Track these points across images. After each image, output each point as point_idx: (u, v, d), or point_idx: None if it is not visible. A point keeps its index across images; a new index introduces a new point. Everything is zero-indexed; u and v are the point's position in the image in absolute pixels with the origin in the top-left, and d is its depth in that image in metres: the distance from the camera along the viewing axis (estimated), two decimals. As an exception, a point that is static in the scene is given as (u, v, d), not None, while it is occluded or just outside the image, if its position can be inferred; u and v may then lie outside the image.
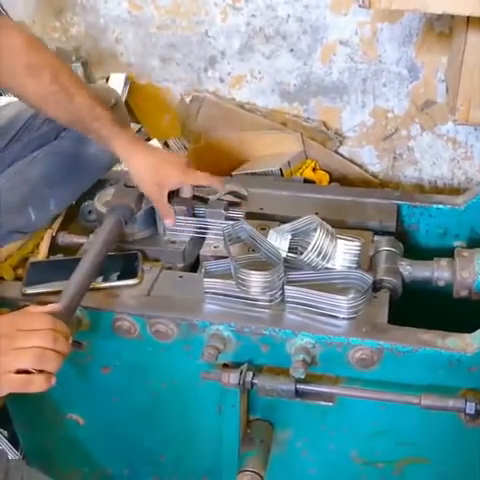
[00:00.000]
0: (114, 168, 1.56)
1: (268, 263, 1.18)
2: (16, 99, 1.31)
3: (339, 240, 1.16)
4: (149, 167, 1.24)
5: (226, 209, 1.32)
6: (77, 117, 1.22)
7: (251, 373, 1.11)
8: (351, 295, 1.11)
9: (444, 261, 1.23)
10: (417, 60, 1.84)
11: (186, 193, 1.31)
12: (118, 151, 1.24)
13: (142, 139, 1.31)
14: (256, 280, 1.12)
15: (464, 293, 1.21)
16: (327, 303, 1.11)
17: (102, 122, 1.22)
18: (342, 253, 1.16)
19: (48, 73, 1.18)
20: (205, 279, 1.15)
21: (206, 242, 1.31)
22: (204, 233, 1.32)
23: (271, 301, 1.14)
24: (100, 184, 1.45)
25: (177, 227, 1.31)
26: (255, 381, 1.11)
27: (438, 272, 1.22)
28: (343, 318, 1.10)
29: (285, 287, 1.13)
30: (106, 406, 1.28)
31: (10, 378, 0.91)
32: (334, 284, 1.16)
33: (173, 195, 1.30)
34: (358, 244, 1.17)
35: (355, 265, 1.17)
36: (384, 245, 1.27)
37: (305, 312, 1.12)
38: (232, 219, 1.30)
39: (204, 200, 1.36)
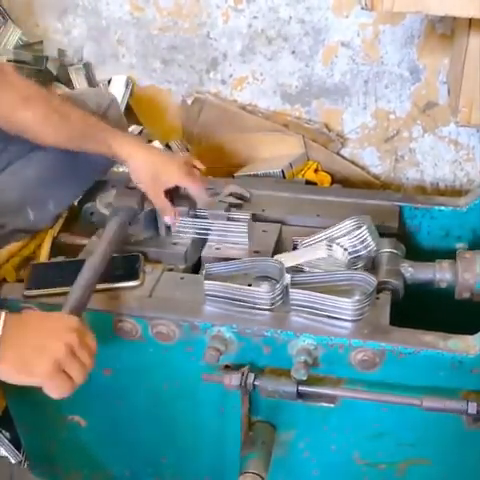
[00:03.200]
0: (115, 169, 1.57)
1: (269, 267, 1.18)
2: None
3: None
4: (148, 164, 1.26)
5: (227, 210, 1.32)
6: (74, 133, 1.25)
7: (253, 375, 1.11)
8: (356, 297, 1.11)
9: (446, 263, 1.23)
10: (419, 62, 1.84)
11: (193, 193, 1.31)
12: (117, 151, 1.26)
13: (140, 139, 1.35)
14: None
15: (466, 295, 1.21)
16: (332, 305, 1.11)
17: (98, 128, 1.26)
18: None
19: (42, 101, 1.22)
20: (206, 281, 1.16)
21: (208, 244, 1.31)
22: (206, 234, 1.32)
23: (272, 304, 1.14)
24: (101, 186, 1.45)
25: (178, 228, 1.31)
26: (257, 383, 1.11)
27: (440, 274, 1.22)
28: (348, 320, 1.10)
29: (290, 290, 1.13)
30: (108, 408, 1.28)
31: (47, 359, 0.92)
32: (338, 286, 1.16)
33: (175, 194, 1.31)
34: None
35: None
36: (386, 247, 1.27)
37: (310, 314, 1.12)
38: (234, 220, 1.30)
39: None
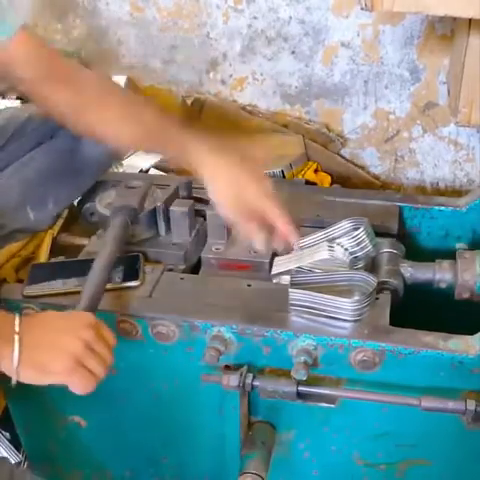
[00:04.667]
0: (115, 169, 1.57)
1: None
2: (16, 103, 1.31)
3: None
4: (229, 186, 1.16)
5: None
6: (150, 136, 1.19)
7: (251, 375, 1.11)
8: (356, 297, 1.11)
9: (446, 263, 1.23)
10: (419, 62, 1.85)
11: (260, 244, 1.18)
12: (198, 169, 1.18)
13: (220, 149, 1.19)
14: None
15: (466, 295, 1.21)
16: (331, 305, 1.10)
17: (173, 131, 1.18)
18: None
19: (117, 98, 1.20)
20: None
21: (208, 244, 1.31)
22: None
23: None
24: (101, 186, 1.45)
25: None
26: (255, 383, 1.11)
27: (440, 274, 1.22)
28: (348, 320, 1.10)
29: (289, 290, 1.12)
30: (108, 408, 1.28)
31: (65, 356, 0.93)
32: (338, 286, 1.15)
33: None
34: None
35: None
36: (385, 247, 1.27)
37: (309, 314, 1.12)
38: None
39: (205, 201, 1.36)
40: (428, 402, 1.06)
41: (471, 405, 1.05)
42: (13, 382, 0.92)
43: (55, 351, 0.93)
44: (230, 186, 1.15)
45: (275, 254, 1.26)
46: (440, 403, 1.06)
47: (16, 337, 0.91)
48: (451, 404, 1.06)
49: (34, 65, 1.11)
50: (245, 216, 1.16)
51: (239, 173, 1.16)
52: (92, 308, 1.05)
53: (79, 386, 0.95)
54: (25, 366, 0.91)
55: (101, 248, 1.18)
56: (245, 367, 1.12)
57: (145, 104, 1.22)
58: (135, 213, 1.27)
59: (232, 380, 1.10)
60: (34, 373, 0.93)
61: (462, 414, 1.06)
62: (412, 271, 1.23)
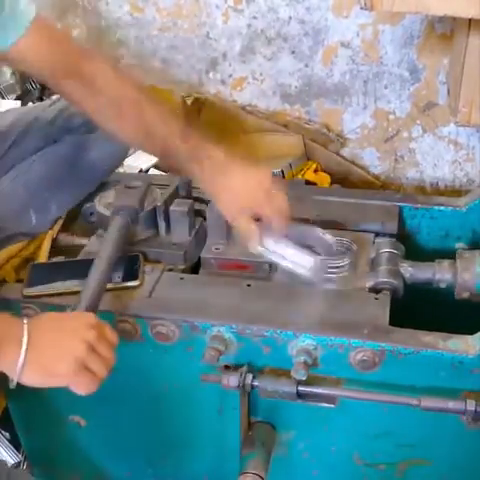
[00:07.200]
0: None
1: None
2: (18, 104, 1.30)
3: None
4: (232, 200, 1.18)
5: None
6: (156, 153, 1.23)
7: (251, 375, 1.11)
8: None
9: (445, 262, 1.23)
10: (418, 62, 1.85)
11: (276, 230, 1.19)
12: (203, 187, 1.22)
13: (226, 164, 1.18)
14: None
15: (465, 295, 1.21)
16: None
17: (181, 151, 1.17)
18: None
19: (134, 111, 1.17)
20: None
21: (207, 244, 1.31)
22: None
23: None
24: (101, 186, 1.45)
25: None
26: (255, 383, 1.11)
27: (439, 274, 1.22)
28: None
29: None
30: (108, 408, 1.28)
31: (68, 359, 0.92)
32: None
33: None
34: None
35: None
36: (385, 247, 1.27)
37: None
38: None
39: (205, 201, 1.36)
40: (428, 402, 1.06)
41: (471, 405, 1.05)
42: (13, 384, 0.92)
43: (59, 354, 0.93)
44: (232, 202, 1.17)
45: None
46: (440, 403, 1.06)
47: (24, 339, 0.91)
48: (451, 404, 1.06)
49: (48, 63, 1.11)
50: (247, 217, 1.17)
51: (238, 187, 1.17)
52: (93, 308, 1.05)
53: (82, 388, 0.95)
54: (30, 368, 0.91)
55: (101, 248, 1.17)
56: (245, 367, 1.12)
57: (158, 118, 1.19)
58: (136, 213, 1.26)
59: (232, 380, 1.10)
60: (38, 376, 0.92)
61: (462, 414, 1.06)
62: (412, 271, 1.23)
